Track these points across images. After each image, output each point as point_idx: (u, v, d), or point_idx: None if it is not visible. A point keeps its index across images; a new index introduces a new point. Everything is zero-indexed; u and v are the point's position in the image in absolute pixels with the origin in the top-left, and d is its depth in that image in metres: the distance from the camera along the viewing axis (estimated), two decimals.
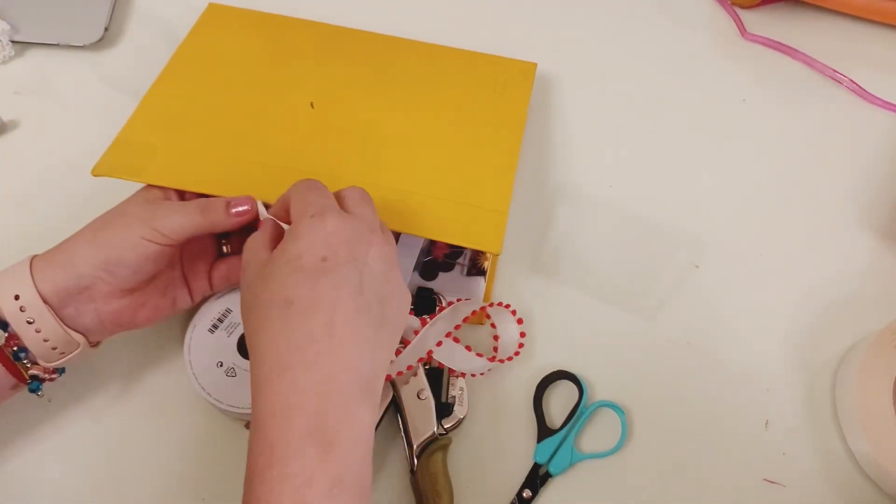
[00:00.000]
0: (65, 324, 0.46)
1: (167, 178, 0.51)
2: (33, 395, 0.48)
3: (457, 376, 0.53)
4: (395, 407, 0.52)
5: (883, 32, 0.71)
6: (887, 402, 0.53)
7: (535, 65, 0.63)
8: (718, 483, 0.54)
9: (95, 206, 0.56)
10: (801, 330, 0.59)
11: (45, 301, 0.45)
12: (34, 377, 0.47)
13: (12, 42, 0.66)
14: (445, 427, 0.52)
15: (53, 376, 0.48)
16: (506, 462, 0.53)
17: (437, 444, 0.51)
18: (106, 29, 0.66)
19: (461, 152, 0.56)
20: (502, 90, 0.61)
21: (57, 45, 0.66)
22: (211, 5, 0.65)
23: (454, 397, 0.53)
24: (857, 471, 0.54)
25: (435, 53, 0.63)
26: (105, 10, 0.67)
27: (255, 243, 0.45)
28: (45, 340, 0.45)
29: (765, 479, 0.54)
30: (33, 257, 0.47)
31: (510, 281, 0.59)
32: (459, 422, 0.53)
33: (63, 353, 0.47)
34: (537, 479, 0.53)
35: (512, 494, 0.52)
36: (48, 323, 0.45)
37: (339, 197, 0.46)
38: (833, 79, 0.68)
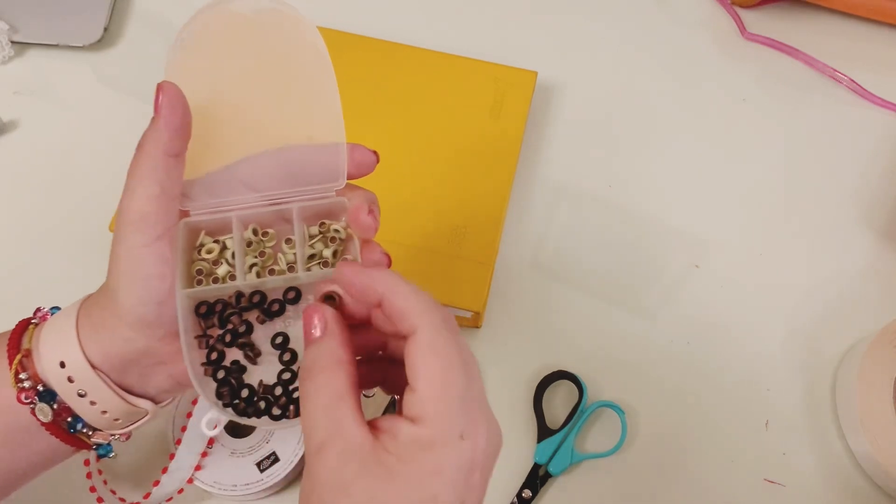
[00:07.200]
0: (129, 391, 0.37)
1: None
2: None
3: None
4: (393, 408, 0.52)
5: (883, 32, 0.71)
6: (887, 402, 0.53)
7: (535, 74, 0.63)
8: (718, 483, 0.54)
9: (95, 207, 0.56)
10: (801, 330, 0.59)
11: (96, 369, 0.36)
12: (99, 444, 0.39)
13: (12, 42, 0.65)
14: None
15: (123, 438, 0.39)
16: (506, 462, 0.53)
17: None
18: (106, 29, 0.66)
19: (454, 194, 0.58)
20: (499, 110, 0.61)
21: (57, 46, 0.66)
22: None
23: None
24: (857, 471, 0.54)
25: (433, 62, 0.63)
26: (105, 10, 0.67)
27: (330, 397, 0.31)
28: (104, 413, 0.37)
29: (765, 479, 0.54)
30: (81, 306, 0.37)
31: (511, 281, 0.59)
32: None
33: (127, 423, 0.38)
34: (537, 479, 0.53)
35: (512, 494, 0.52)
36: (103, 394, 0.36)
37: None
38: (833, 78, 0.68)
